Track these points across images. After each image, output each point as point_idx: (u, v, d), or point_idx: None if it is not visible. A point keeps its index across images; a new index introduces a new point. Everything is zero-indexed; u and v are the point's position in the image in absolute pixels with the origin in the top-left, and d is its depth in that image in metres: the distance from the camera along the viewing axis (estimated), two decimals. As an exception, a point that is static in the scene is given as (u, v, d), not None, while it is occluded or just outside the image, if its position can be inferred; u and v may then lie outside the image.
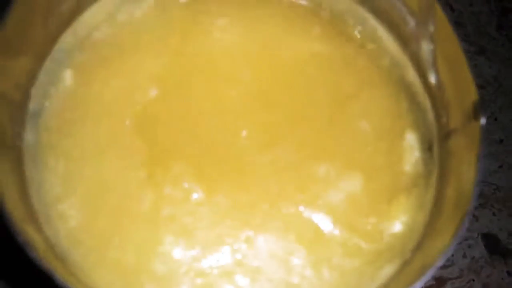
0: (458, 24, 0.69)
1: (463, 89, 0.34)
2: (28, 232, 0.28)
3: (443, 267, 0.56)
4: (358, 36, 0.44)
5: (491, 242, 0.58)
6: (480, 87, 0.66)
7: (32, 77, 0.36)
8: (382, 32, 0.42)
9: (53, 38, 0.37)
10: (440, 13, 0.35)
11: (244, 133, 0.39)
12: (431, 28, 0.37)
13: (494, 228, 0.58)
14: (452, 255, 0.56)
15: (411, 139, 0.40)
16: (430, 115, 0.39)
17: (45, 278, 0.27)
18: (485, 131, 0.30)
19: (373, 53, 0.43)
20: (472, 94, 0.32)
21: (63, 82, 0.39)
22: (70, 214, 0.35)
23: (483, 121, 0.30)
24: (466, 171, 0.31)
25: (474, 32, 0.69)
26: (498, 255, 0.57)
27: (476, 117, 0.31)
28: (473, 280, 0.56)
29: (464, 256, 0.57)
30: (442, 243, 0.28)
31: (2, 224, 0.27)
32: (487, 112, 0.65)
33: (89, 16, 0.40)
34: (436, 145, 0.38)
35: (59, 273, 0.26)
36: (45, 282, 0.27)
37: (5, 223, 0.27)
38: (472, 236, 0.58)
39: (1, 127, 0.31)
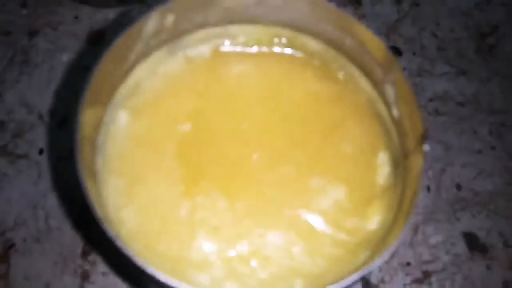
0: (440, 49, 0.75)
1: (414, 123, 0.39)
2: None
3: (429, 262, 0.60)
4: (342, 78, 0.48)
5: (471, 240, 0.62)
6: (461, 104, 0.72)
7: (100, 120, 0.41)
8: (359, 76, 0.47)
9: (114, 90, 0.42)
10: (397, 66, 0.39)
11: (255, 156, 0.44)
12: (392, 76, 0.41)
13: (474, 228, 0.63)
14: (437, 252, 0.60)
15: (383, 158, 0.44)
16: (396, 139, 0.44)
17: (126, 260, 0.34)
18: (428, 155, 0.36)
19: (353, 91, 0.47)
20: (419, 128, 0.37)
21: (120, 121, 0.44)
22: (128, 219, 0.40)
23: (425, 147, 0.36)
24: (414, 183, 0.37)
25: (455, 56, 0.75)
26: (478, 252, 0.61)
27: (421, 144, 0.37)
28: (455, 273, 0.60)
29: (447, 252, 0.61)
30: (399, 231, 0.35)
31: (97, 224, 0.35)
32: (466, 126, 0.68)
33: (138, 71, 0.45)
34: (400, 163, 0.42)
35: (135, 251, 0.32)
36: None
37: (99, 224, 0.34)
38: (454, 235, 0.62)
39: (87, 156, 0.36)
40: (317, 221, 0.42)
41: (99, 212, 0.34)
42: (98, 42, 0.69)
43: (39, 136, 0.66)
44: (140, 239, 0.40)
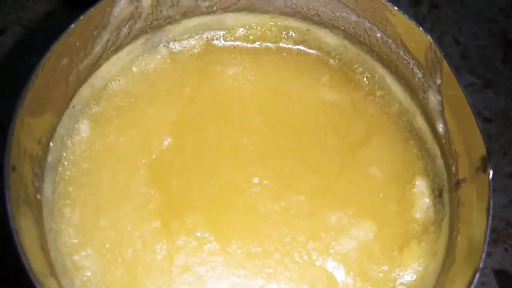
0: (464, 57, 0.70)
1: (471, 142, 0.34)
2: (48, 286, 0.28)
3: None
4: (367, 83, 0.44)
5: (503, 278, 0.57)
6: (488, 120, 0.66)
7: (52, 131, 0.37)
8: (390, 80, 0.43)
9: (72, 94, 0.38)
10: (446, 67, 0.35)
11: (256, 180, 0.39)
12: (438, 81, 0.37)
13: (506, 264, 0.57)
14: None
15: (421, 186, 0.40)
16: (440, 162, 0.39)
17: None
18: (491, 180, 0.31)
19: (381, 100, 0.44)
20: (480, 147, 0.32)
21: (80, 134, 0.39)
22: (85, 265, 0.35)
23: (491, 173, 0.30)
24: (477, 221, 0.31)
25: (481, 65, 0.70)
26: None
27: (484, 170, 0.31)
28: None
29: None
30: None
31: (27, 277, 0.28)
32: (495, 145, 0.65)
33: (106, 70, 0.41)
34: (446, 192, 0.38)
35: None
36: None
37: (28, 278, 0.27)
38: (484, 273, 0.56)
39: (25, 184, 0.31)
40: (337, 270, 0.37)
41: (33, 266, 0.27)
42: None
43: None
44: None
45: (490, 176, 0.31)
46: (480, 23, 0.73)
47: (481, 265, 0.28)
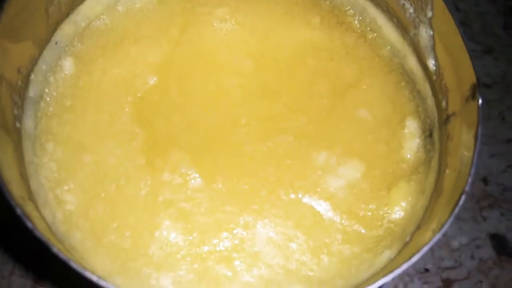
0: (464, 24, 0.69)
1: (462, 72, 0.33)
2: (26, 208, 0.28)
3: (450, 268, 0.56)
4: (358, 26, 0.44)
5: (499, 243, 0.57)
6: (487, 86, 0.65)
7: (32, 63, 0.36)
8: (381, 21, 0.42)
9: (54, 27, 0.37)
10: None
11: (243, 121, 0.39)
12: (429, 13, 0.36)
13: (502, 229, 0.57)
14: (460, 256, 0.56)
15: (412, 126, 0.40)
16: (430, 101, 0.39)
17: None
18: (483, 112, 0.30)
19: (373, 42, 0.43)
20: (470, 77, 0.32)
21: (63, 70, 0.39)
22: (67, 199, 0.35)
23: (480, 101, 0.30)
24: (465, 152, 0.30)
25: (480, 32, 0.69)
26: (507, 256, 0.56)
27: (473, 97, 0.31)
28: (481, 282, 0.55)
29: (472, 257, 0.56)
30: (440, 222, 0.28)
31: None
32: (494, 111, 0.65)
33: (90, 6, 0.40)
34: (436, 131, 0.38)
35: (55, 243, 0.25)
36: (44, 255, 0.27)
37: (4, 197, 0.27)
38: (480, 237, 0.57)
39: (2, 109, 0.31)
40: (324, 208, 0.37)
41: (14, 190, 0.27)
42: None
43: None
44: (82, 227, 0.35)
45: (479, 102, 0.30)
46: (481, -12, 0.72)
47: (467, 189, 0.28)
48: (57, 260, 0.27)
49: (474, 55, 0.69)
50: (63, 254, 0.25)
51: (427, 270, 0.55)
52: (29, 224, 0.25)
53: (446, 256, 0.56)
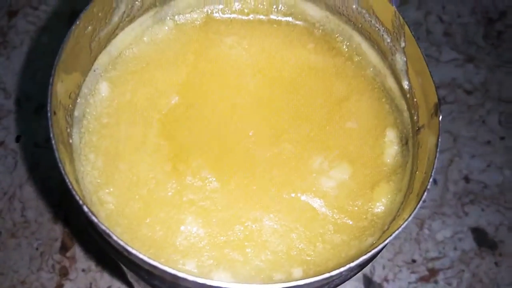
0: (447, 35, 0.73)
1: (428, 93, 0.37)
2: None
3: (435, 259, 0.59)
4: (346, 50, 0.46)
5: (480, 235, 0.61)
6: (469, 92, 0.70)
7: (78, 89, 0.40)
8: (365, 47, 0.45)
9: (94, 58, 0.41)
10: (408, 32, 0.38)
11: (251, 133, 0.42)
12: (403, 43, 0.40)
13: (483, 223, 0.61)
14: (444, 248, 0.59)
15: (391, 136, 0.43)
16: (406, 115, 0.42)
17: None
18: (441, 128, 0.34)
19: (359, 64, 0.46)
20: (433, 96, 0.36)
21: (100, 93, 0.42)
22: (108, 200, 0.38)
23: (441, 117, 0.34)
24: (430, 157, 0.35)
25: (463, 42, 0.72)
26: (486, 248, 0.60)
27: (436, 114, 0.35)
28: (463, 271, 0.58)
29: (455, 248, 0.60)
30: (409, 213, 0.32)
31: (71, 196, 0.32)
32: (475, 115, 0.67)
33: (121, 39, 0.43)
34: (410, 139, 0.41)
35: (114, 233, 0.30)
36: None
37: (73, 197, 0.31)
38: (462, 230, 0.61)
39: (61, 129, 0.35)
40: (318, 204, 0.40)
41: (77, 191, 0.31)
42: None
43: (16, 122, 0.63)
44: (121, 223, 0.38)
45: (440, 118, 0.34)
46: (463, 2, 0.75)
47: (429, 187, 0.32)
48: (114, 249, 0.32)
49: (457, 64, 0.74)
50: (123, 242, 0.29)
51: (414, 260, 0.58)
52: (94, 219, 0.30)
53: (431, 248, 0.59)
